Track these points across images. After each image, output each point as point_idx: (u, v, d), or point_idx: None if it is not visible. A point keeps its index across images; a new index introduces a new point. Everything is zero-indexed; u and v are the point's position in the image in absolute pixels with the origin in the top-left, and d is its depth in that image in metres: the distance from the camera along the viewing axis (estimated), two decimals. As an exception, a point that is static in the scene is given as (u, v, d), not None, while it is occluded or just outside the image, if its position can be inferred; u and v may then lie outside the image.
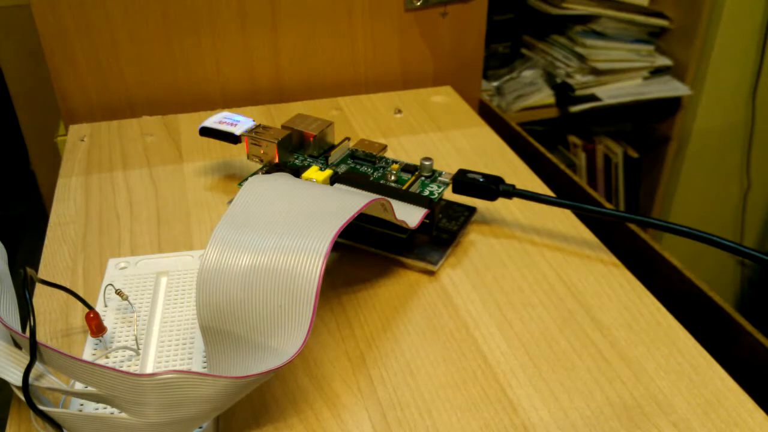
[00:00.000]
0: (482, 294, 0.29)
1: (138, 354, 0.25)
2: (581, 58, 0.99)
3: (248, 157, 0.35)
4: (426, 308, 0.28)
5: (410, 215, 0.30)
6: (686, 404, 0.24)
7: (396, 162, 0.34)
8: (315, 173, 0.32)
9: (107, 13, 0.42)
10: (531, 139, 0.45)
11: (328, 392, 0.24)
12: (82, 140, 0.41)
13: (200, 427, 0.22)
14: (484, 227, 0.33)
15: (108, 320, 0.26)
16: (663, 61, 1.03)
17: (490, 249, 0.32)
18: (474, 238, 0.33)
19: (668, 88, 1.02)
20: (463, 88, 0.50)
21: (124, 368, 0.25)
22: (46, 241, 0.32)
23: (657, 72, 1.03)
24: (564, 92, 0.99)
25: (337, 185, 0.31)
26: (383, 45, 0.48)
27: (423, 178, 0.33)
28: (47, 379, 0.21)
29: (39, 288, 0.28)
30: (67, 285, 0.27)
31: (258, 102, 0.47)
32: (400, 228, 0.31)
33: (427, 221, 0.31)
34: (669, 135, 1.07)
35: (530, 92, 1.00)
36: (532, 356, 0.26)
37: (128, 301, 0.27)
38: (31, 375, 0.20)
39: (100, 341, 0.25)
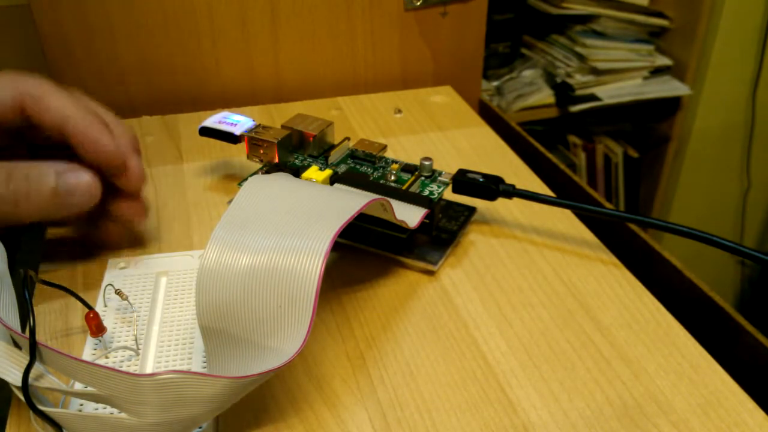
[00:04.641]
0: (482, 294, 0.29)
1: (138, 354, 0.25)
2: (581, 57, 0.99)
3: (248, 157, 0.35)
4: (426, 308, 0.28)
5: (410, 215, 0.30)
6: (686, 404, 0.24)
7: (396, 162, 0.34)
8: (315, 173, 0.32)
9: (107, 13, 0.42)
10: (531, 139, 0.45)
11: (328, 392, 0.24)
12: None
13: (200, 427, 0.22)
14: (484, 227, 0.33)
15: (108, 320, 0.26)
16: (663, 60, 1.03)
17: (490, 249, 0.32)
18: (474, 238, 0.33)
19: (668, 87, 1.02)
20: (463, 88, 0.50)
21: (124, 368, 0.24)
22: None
23: (657, 72, 1.03)
24: (564, 92, 0.99)
25: (336, 185, 0.31)
26: (383, 45, 0.48)
27: (423, 178, 0.33)
28: (47, 379, 0.21)
29: (39, 288, 0.28)
30: (67, 285, 0.27)
31: (258, 102, 0.47)
32: (400, 228, 0.31)
33: (427, 221, 0.31)
34: (669, 135, 1.07)
35: (530, 92, 1.00)
36: (532, 356, 0.26)
37: (128, 301, 0.27)
38: (31, 375, 0.20)
39: (100, 341, 0.25)
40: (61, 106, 0.27)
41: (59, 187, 0.26)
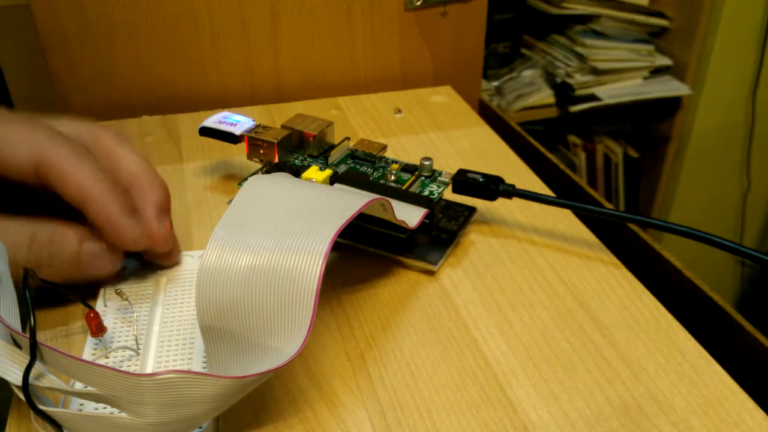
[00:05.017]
0: (482, 294, 0.29)
1: (138, 354, 0.25)
2: (581, 57, 0.99)
3: (248, 157, 0.35)
4: (426, 308, 0.28)
5: (410, 215, 0.30)
6: (686, 404, 0.24)
7: (396, 162, 0.34)
8: (315, 173, 0.32)
9: (107, 13, 0.42)
10: (531, 139, 0.45)
11: (328, 392, 0.24)
12: (82, 140, 0.41)
13: (200, 427, 0.22)
14: (484, 227, 0.33)
15: (108, 320, 0.26)
16: (663, 60, 1.03)
17: (490, 249, 0.32)
18: (474, 238, 0.33)
19: (668, 87, 1.02)
20: (463, 88, 0.50)
21: (124, 368, 0.25)
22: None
23: (657, 72, 1.03)
24: (564, 92, 0.99)
25: (337, 185, 0.31)
26: (383, 45, 0.48)
27: (423, 178, 0.33)
28: (47, 378, 0.21)
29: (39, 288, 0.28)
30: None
31: (258, 102, 0.47)
32: (400, 228, 0.31)
33: (427, 221, 0.31)
34: (669, 135, 1.07)
35: (530, 92, 1.00)
36: (532, 356, 0.26)
37: (128, 301, 0.27)
38: (31, 374, 0.20)
39: (100, 341, 0.25)
40: (82, 184, 0.25)
41: (81, 255, 0.26)
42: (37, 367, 0.21)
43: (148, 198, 0.28)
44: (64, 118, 0.28)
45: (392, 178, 0.33)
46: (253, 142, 0.34)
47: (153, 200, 0.28)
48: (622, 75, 1.02)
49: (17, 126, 0.25)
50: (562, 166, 0.41)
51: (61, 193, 0.25)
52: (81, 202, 0.25)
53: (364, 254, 0.31)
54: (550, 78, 1.02)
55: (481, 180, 0.32)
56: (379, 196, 0.26)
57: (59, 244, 0.25)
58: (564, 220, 0.34)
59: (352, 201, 0.25)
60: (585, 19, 1.00)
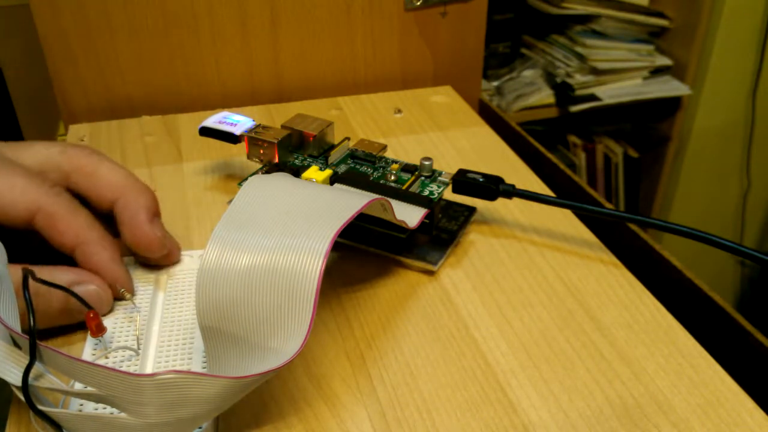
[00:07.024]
0: (482, 294, 0.29)
1: (138, 354, 0.25)
2: (581, 57, 0.99)
3: (248, 157, 0.35)
4: (426, 308, 0.28)
5: (410, 215, 0.30)
6: (686, 404, 0.24)
7: (396, 162, 0.34)
8: (315, 173, 0.32)
9: (107, 13, 0.42)
10: (531, 139, 0.45)
11: (328, 392, 0.24)
12: (82, 140, 0.41)
13: (200, 427, 0.22)
14: (484, 227, 0.33)
15: (108, 320, 0.26)
16: (663, 60, 1.03)
17: (490, 249, 0.32)
18: (474, 238, 0.33)
19: (668, 87, 1.02)
20: (463, 88, 0.50)
21: (124, 368, 0.24)
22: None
23: (657, 72, 1.03)
24: (564, 92, 0.99)
25: (337, 185, 0.31)
26: (383, 45, 0.48)
27: (423, 178, 0.33)
28: (47, 379, 0.21)
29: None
30: (67, 285, 0.27)
31: (258, 102, 0.47)
32: (399, 228, 0.31)
33: (427, 221, 0.31)
34: (669, 135, 1.07)
35: (530, 92, 1.00)
36: (531, 356, 0.26)
37: (131, 301, 0.27)
38: (31, 375, 0.20)
39: (100, 341, 0.25)
40: (78, 231, 0.26)
41: (70, 305, 0.25)
42: (37, 367, 0.21)
43: (138, 205, 0.28)
44: (37, 145, 0.28)
45: (392, 178, 0.33)
46: (253, 142, 0.34)
47: (143, 206, 0.28)
48: (622, 75, 1.02)
49: (12, 176, 0.26)
50: (562, 166, 0.41)
51: (55, 239, 0.26)
52: (75, 247, 0.26)
53: (364, 254, 0.31)
54: (550, 78, 1.02)
55: (481, 180, 0.32)
56: (379, 196, 0.26)
57: (46, 298, 0.25)
58: (564, 220, 0.34)
59: (352, 201, 0.25)
60: (585, 19, 1.00)
